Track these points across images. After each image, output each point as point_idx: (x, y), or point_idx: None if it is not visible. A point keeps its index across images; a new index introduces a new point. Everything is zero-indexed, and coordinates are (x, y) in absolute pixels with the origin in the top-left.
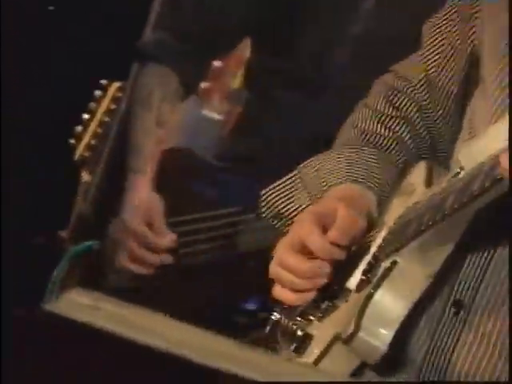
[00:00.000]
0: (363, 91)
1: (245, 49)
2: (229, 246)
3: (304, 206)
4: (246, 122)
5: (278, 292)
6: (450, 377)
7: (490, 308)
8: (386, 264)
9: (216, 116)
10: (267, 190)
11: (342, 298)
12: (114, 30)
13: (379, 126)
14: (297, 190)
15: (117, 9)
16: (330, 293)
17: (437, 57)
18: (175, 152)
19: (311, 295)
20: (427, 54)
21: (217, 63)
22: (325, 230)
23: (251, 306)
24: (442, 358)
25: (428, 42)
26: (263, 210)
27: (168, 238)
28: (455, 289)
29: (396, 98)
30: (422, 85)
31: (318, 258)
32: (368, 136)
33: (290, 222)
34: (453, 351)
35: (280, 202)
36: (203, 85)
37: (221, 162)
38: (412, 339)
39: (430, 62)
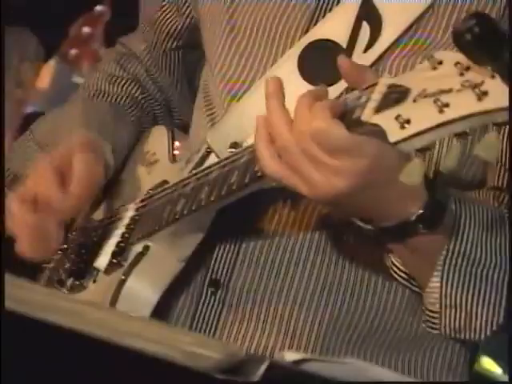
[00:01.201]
0: None
1: (104, 10)
2: None
3: None
4: None
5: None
6: None
7: (248, 286)
8: (137, 248)
9: None
10: (9, 156)
11: (89, 277)
12: None
13: (110, 85)
14: (31, 149)
15: None
16: (77, 270)
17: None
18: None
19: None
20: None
21: (86, 29)
22: (63, 179)
23: None
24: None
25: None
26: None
27: None
28: (211, 268)
29: (126, 62)
30: (146, 53)
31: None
32: (100, 94)
33: None
34: (214, 332)
35: (16, 164)
36: (73, 51)
37: None
38: (173, 322)
39: (146, 30)
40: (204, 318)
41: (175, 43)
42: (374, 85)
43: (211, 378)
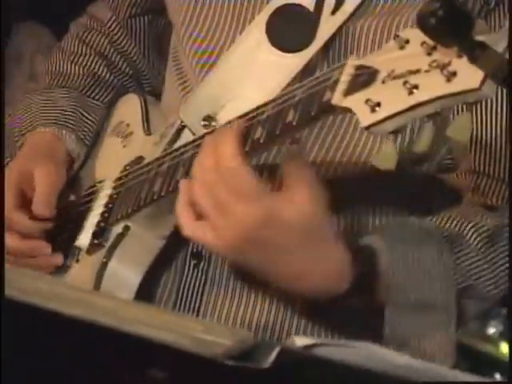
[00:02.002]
0: None
1: None
2: None
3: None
4: None
5: None
6: None
7: None
8: (117, 229)
9: None
10: None
11: (71, 257)
12: None
13: (72, 66)
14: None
15: None
16: (58, 250)
17: None
18: None
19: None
20: None
21: None
22: (25, 196)
23: None
24: (190, 312)
25: None
26: None
27: None
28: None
29: (89, 36)
30: (112, 22)
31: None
32: (60, 78)
33: None
34: (199, 305)
35: None
36: None
37: None
38: (157, 299)
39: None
40: (188, 292)
41: (139, 9)
42: (342, 65)
43: (222, 365)
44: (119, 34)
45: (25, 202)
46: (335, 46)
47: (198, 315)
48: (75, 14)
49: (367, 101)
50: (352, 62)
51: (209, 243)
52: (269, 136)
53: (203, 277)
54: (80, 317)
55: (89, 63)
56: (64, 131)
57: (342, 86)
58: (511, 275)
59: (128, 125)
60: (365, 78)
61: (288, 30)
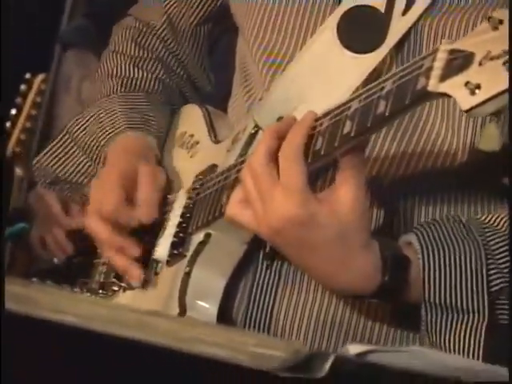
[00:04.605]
0: None
1: None
2: None
3: (81, 166)
4: None
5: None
6: (274, 333)
7: None
8: (198, 238)
9: None
10: (39, 156)
11: (150, 270)
12: (31, 23)
13: (136, 69)
14: (70, 150)
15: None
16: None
17: None
18: None
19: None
20: None
21: None
22: (129, 193)
23: None
24: (263, 314)
25: None
26: (39, 177)
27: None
28: (266, 243)
29: (144, 40)
30: (166, 27)
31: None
32: (128, 82)
33: (69, 186)
34: (272, 306)
35: (55, 165)
36: None
37: None
38: (233, 302)
39: (169, 3)
40: (261, 294)
41: (202, 18)
42: (434, 52)
43: (278, 378)
44: (172, 38)
45: (128, 199)
46: (407, 45)
47: (271, 317)
48: None
49: (466, 84)
50: (444, 47)
51: (245, 224)
52: (359, 129)
53: (276, 277)
54: (140, 339)
55: (150, 67)
56: (151, 137)
57: (437, 72)
58: (511, 275)
59: (192, 135)
60: (460, 61)
61: (359, 32)
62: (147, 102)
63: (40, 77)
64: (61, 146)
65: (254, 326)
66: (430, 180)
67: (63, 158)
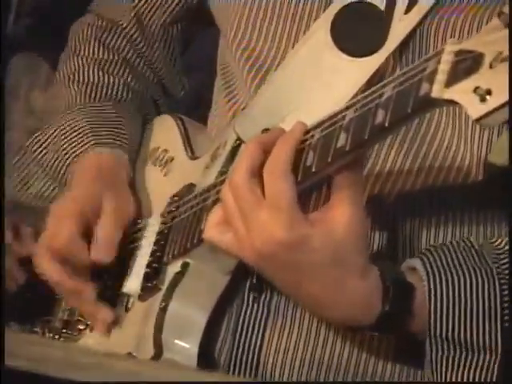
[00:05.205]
0: None
1: None
2: None
3: (44, 189)
4: None
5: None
6: (263, 376)
7: None
8: (174, 268)
9: None
10: None
11: (119, 305)
12: None
13: (101, 73)
14: (31, 171)
15: None
16: (103, 299)
17: None
18: None
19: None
20: None
21: None
22: (88, 225)
23: None
24: (250, 354)
25: None
26: None
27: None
28: (252, 273)
29: (108, 39)
30: (134, 25)
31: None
32: (93, 89)
33: (30, 212)
34: (261, 345)
35: (15, 189)
36: None
37: None
38: (216, 341)
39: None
40: (248, 330)
41: (175, 16)
42: (439, 53)
43: None
44: (140, 39)
45: (86, 232)
46: (410, 47)
47: (259, 358)
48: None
49: (475, 89)
50: (450, 48)
51: (226, 247)
52: (355, 142)
53: (265, 311)
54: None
55: (118, 71)
56: (121, 151)
57: (441, 76)
58: (511, 274)
59: (166, 150)
60: (468, 64)
61: (356, 32)
62: (116, 113)
63: None
64: (20, 167)
65: (240, 369)
66: (440, 198)
67: (23, 181)
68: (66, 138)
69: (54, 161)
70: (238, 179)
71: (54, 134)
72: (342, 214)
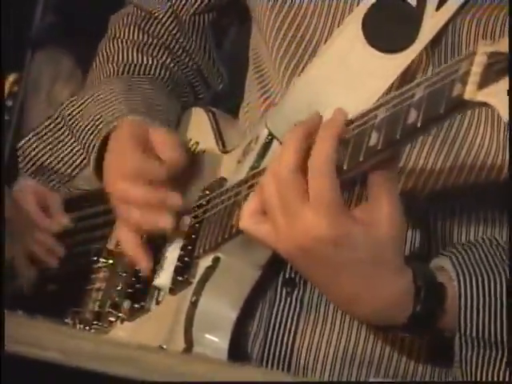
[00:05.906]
0: None
1: None
2: None
3: (72, 155)
4: None
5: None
6: (296, 370)
7: None
8: (205, 263)
9: None
10: (24, 140)
11: (150, 298)
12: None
13: (139, 55)
14: (61, 135)
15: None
16: (134, 291)
17: None
18: None
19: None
20: None
21: None
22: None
23: None
24: (283, 348)
25: None
26: (23, 164)
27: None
28: (285, 268)
29: (149, 26)
30: (170, 16)
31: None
32: (131, 67)
33: (55, 177)
34: (294, 339)
35: (42, 151)
36: None
37: None
38: (248, 335)
39: None
40: (281, 325)
41: (206, 6)
42: (472, 55)
43: None
44: (177, 28)
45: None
46: (441, 44)
47: (292, 352)
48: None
49: (508, 91)
50: (483, 50)
51: (262, 238)
52: (387, 141)
53: (298, 305)
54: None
55: (157, 53)
56: (156, 123)
57: (474, 78)
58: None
59: (197, 143)
60: (501, 65)
61: (387, 28)
62: (151, 88)
63: (12, 77)
64: (51, 129)
65: (272, 364)
66: (472, 197)
67: (52, 144)
68: (99, 104)
69: (87, 126)
70: (283, 171)
71: (89, 100)
72: (383, 212)
